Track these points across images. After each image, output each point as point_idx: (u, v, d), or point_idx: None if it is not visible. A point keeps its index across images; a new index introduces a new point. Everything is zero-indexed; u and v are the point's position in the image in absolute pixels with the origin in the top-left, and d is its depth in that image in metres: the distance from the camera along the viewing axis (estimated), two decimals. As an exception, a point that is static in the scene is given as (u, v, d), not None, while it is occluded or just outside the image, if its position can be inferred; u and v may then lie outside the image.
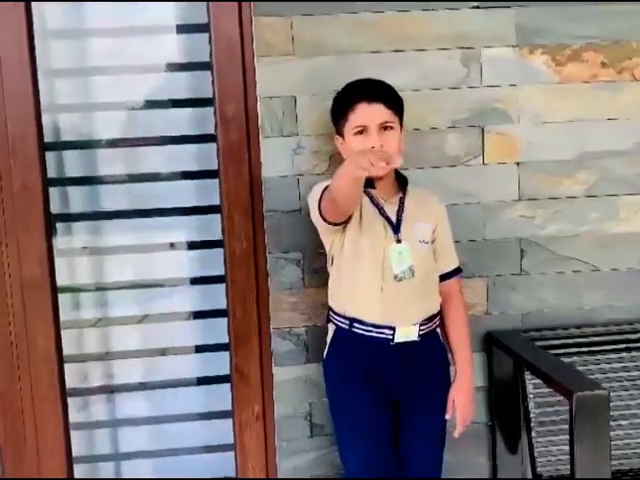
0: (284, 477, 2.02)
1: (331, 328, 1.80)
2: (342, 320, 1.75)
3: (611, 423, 1.64)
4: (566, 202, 2.04)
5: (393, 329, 1.71)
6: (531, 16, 1.97)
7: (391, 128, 1.70)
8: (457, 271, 1.85)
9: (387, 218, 1.74)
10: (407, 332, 1.72)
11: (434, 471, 1.81)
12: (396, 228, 1.73)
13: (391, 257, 1.70)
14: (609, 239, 2.06)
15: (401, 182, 1.79)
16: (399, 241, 1.72)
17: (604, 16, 1.99)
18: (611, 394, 1.62)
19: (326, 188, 1.65)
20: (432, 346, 1.79)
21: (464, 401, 1.78)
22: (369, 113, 1.69)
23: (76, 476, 2.06)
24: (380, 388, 1.73)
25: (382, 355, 1.72)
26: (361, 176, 1.47)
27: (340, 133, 1.76)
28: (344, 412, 1.78)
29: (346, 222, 1.70)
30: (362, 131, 1.70)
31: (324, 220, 1.71)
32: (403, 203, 1.76)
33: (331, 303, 1.80)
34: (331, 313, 1.80)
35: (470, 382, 1.81)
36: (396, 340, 1.71)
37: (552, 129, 2.01)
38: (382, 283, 1.70)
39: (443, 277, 1.82)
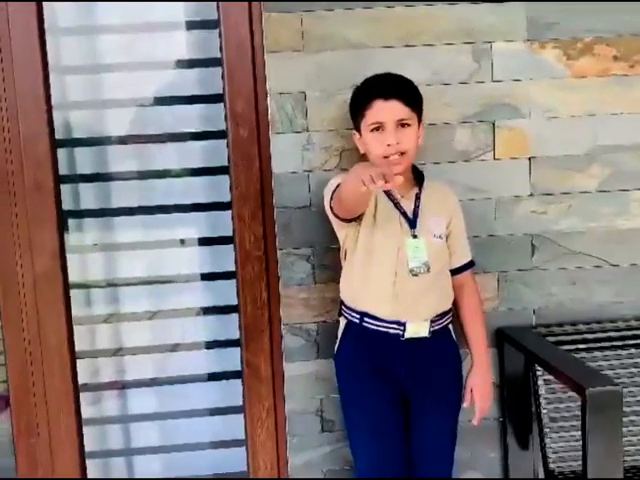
0: (295, 471, 2.02)
1: (342, 322, 1.81)
2: (353, 314, 1.75)
3: (623, 419, 1.63)
4: (578, 197, 2.02)
5: (403, 324, 1.71)
6: (542, 10, 1.96)
7: (408, 125, 1.70)
8: (470, 264, 1.84)
9: (403, 213, 1.73)
10: (418, 328, 1.72)
11: (446, 468, 1.81)
12: (412, 223, 1.73)
13: (407, 252, 1.70)
14: (621, 234, 2.04)
15: (418, 177, 1.79)
16: (415, 236, 1.72)
17: (616, 10, 1.97)
18: (623, 390, 1.61)
19: (339, 185, 1.66)
20: (443, 343, 1.79)
21: (482, 389, 1.79)
22: (385, 110, 1.68)
23: (88, 471, 2.07)
24: (390, 383, 1.73)
25: (392, 350, 1.72)
26: (361, 191, 1.46)
27: (357, 129, 1.76)
28: (353, 406, 1.78)
29: (358, 218, 1.70)
30: (378, 128, 1.69)
31: (335, 215, 1.71)
32: (419, 198, 1.75)
33: (343, 297, 1.80)
34: (342, 307, 1.80)
35: (487, 370, 1.82)
36: (406, 336, 1.71)
37: (564, 124, 2.00)
38: (395, 278, 1.70)
39: (457, 270, 1.81)
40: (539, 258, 2.03)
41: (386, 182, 1.41)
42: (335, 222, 1.76)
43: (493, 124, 1.98)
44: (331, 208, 1.71)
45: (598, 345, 1.96)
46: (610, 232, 2.04)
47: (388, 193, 1.74)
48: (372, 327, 1.72)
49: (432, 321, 1.74)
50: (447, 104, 1.96)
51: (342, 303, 1.81)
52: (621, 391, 1.58)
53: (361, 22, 1.92)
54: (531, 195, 2.01)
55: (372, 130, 1.70)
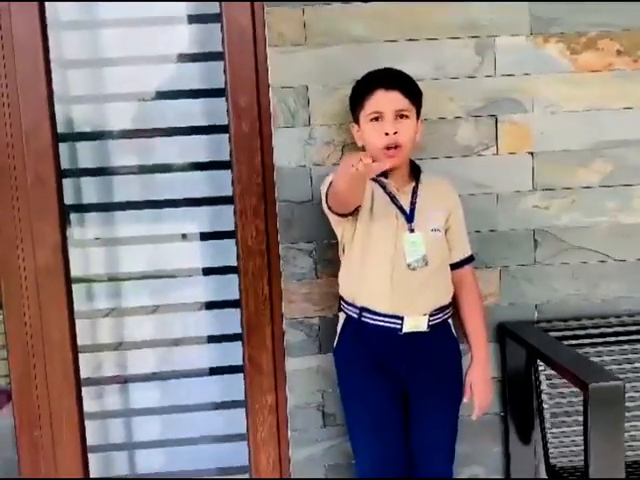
0: (296, 466, 2.02)
1: (341, 317, 1.81)
2: (352, 309, 1.76)
3: (626, 414, 1.63)
4: (581, 192, 2.02)
5: (401, 319, 1.71)
6: (546, 4, 1.95)
7: (407, 117, 1.70)
8: (470, 259, 1.84)
9: (400, 207, 1.73)
10: (416, 322, 1.72)
11: (446, 462, 1.80)
12: (409, 217, 1.73)
13: (404, 246, 1.70)
14: (624, 229, 2.04)
15: (415, 172, 1.78)
16: (412, 230, 1.71)
17: (620, 4, 1.96)
18: (626, 385, 1.61)
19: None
20: (443, 337, 1.79)
21: (481, 384, 1.80)
22: (385, 100, 1.69)
23: (90, 465, 2.08)
24: (389, 377, 1.74)
25: (391, 345, 1.72)
26: (351, 173, 1.47)
27: (357, 121, 1.76)
28: (353, 401, 1.79)
29: (353, 213, 1.70)
30: (377, 118, 1.69)
31: (331, 211, 1.71)
32: (416, 192, 1.75)
33: (342, 292, 1.80)
34: (342, 302, 1.80)
35: (486, 365, 1.82)
36: (405, 330, 1.71)
37: (567, 118, 1.99)
38: (392, 273, 1.70)
39: (456, 265, 1.81)
40: (541, 253, 2.03)
41: (373, 161, 1.43)
42: (332, 218, 1.76)
43: (496, 118, 1.97)
44: (327, 204, 1.72)
45: (600, 340, 1.96)
46: (613, 227, 2.03)
47: (384, 188, 1.74)
48: (371, 322, 1.72)
49: (431, 315, 1.73)
50: (450, 98, 1.95)
51: (341, 298, 1.81)
52: (623, 386, 1.58)
53: (363, 16, 1.91)
54: (534, 190, 2.01)
55: (371, 120, 1.70)
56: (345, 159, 1.53)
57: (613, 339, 1.96)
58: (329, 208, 1.73)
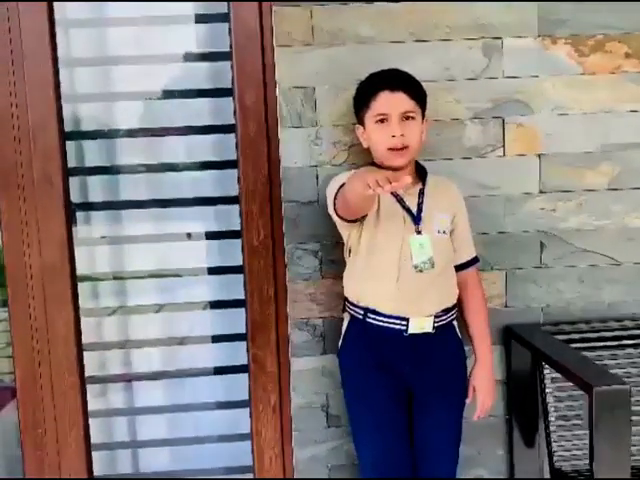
0: (300, 466, 2.02)
1: (346, 318, 1.81)
2: (356, 310, 1.75)
3: (635, 418, 1.62)
4: (588, 195, 2.01)
5: (407, 320, 1.70)
6: (554, 6, 1.95)
7: (412, 118, 1.70)
8: (475, 260, 1.84)
9: (407, 209, 1.73)
10: (421, 324, 1.72)
11: (450, 464, 1.80)
12: (417, 219, 1.72)
13: (411, 248, 1.70)
14: (631, 232, 2.03)
15: (421, 173, 1.78)
16: (419, 232, 1.71)
17: (628, 6, 1.96)
18: (632, 389, 1.60)
19: (342, 185, 1.65)
20: (448, 339, 1.78)
21: (485, 386, 1.80)
22: (391, 102, 1.68)
23: (94, 463, 2.08)
24: (393, 378, 1.73)
25: (396, 346, 1.72)
26: (367, 194, 1.47)
27: (361, 122, 1.76)
28: (357, 401, 1.78)
29: (362, 218, 1.70)
30: (383, 120, 1.69)
31: (338, 216, 1.71)
32: (423, 194, 1.75)
33: (347, 293, 1.80)
34: (346, 303, 1.80)
35: (490, 367, 1.82)
36: (410, 331, 1.71)
37: (574, 120, 1.98)
38: (398, 274, 1.70)
39: (461, 266, 1.81)
40: (548, 256, 2.02)
41: (391, 184, 1.42)
42: (339, 223, 1.76)
43: (503, 120, 1.97)
44: (335, 210, 1.71)
45: (606, 344, 1.95)
46: (620, 230, 2.03)
47: None
48: (376, 323, 1.72)
49: (436, 317, 1.73)
50: (457, 100, 1.95)
51: (346, 299, 1.81)
52: (629, 390, 1.57)
53: (371, 17, 1.91)
54: (541, 192, 2.00)
55: (377, 122, 1.70)
56: (364, 175, 1.49)
57: (619, 343, 1.95)
58: (337, 214, 1.72)
